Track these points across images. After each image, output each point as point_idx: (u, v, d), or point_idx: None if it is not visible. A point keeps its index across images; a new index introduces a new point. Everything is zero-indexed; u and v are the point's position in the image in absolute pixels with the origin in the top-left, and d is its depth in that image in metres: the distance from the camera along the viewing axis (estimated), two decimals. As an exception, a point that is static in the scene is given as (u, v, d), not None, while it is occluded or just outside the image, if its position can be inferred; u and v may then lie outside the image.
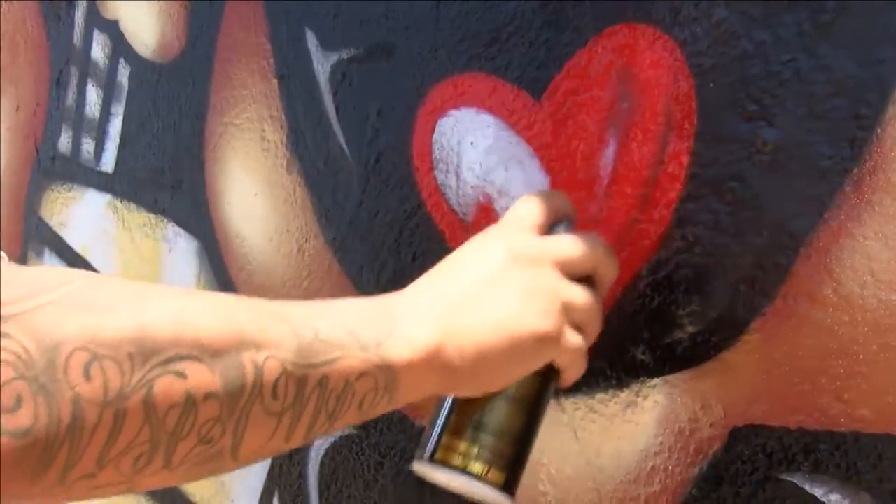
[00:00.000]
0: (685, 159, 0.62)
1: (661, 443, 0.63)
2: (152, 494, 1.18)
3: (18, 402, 0.37)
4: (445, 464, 0.56)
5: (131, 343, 0.40)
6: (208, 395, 0.42)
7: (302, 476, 0.93)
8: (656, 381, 0.63)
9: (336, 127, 0.91)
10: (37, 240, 1.49)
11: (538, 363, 0.55)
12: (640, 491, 0.64)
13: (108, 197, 1.30)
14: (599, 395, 0.67)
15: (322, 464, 0.91)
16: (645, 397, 0.64)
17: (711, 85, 0.61)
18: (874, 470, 0.52)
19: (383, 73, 0.86)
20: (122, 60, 1.29)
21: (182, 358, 0.41)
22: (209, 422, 0.42)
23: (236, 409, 0.43)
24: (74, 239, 1.40)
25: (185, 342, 0.41)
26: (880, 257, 0.52)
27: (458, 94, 0.78)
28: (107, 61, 1.33)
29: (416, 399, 0.53)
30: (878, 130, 0.53)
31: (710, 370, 0.60)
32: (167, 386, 0.40)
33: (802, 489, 0.55)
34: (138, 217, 1.23)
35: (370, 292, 0.86)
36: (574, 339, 0.56)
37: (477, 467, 0.56)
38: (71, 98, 1.41)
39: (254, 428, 0.44)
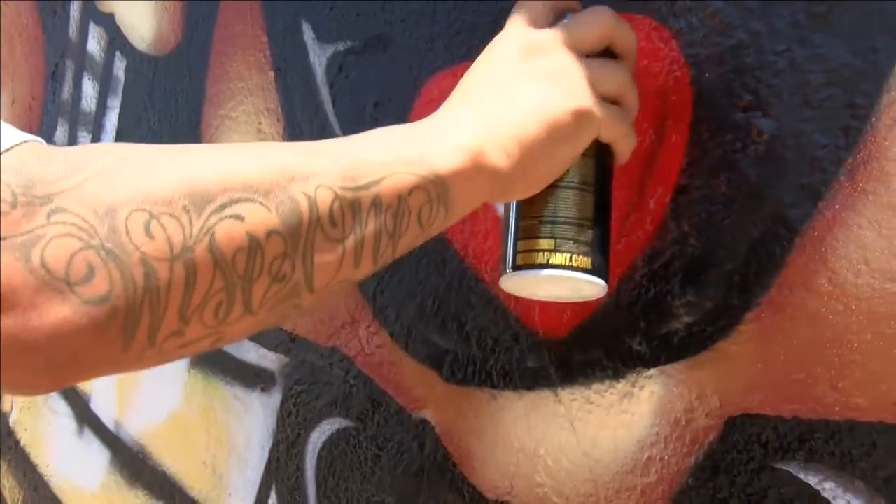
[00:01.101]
0: (681, 149, 0.62)
1: (658, 433, 0.63)
2: (150, 489, 1.18)
3: (91, 270, 0.37)
4: (529, 266, 0.55)
5: (183, 196, 0.40)
6: (270, 233, 0.42)
7: (299, 469, 0.93)
8: (652, 371, 0.63)
9: (333, 119, 0.91)
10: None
11: (582, 142, 0.55)
12: (636, 481, 0.64)
13: (104, 191, 1.30)
14: (596, 386, 0.67)
15: (319, 457, 0.91)
16: (641, 388, 0.64)
17: (707, 75, 0.61)
18: (868, 458, 0.52)
19: (380, 64, 0.86)
20: (118, 54, 1.29)
21: (235, 201, 0.41)
22: (277, 258, 0.43)
23: (300, 242, 0.43)
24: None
25: (235, 186, 0.41)
26: (874, 246, 0.53)
27: (455, 85, 0.78)
28: (102, 55, 1.33)
29: (473, 207, 0.53)
30: (873, 119, 0.53)
31: (706, 360, 0.61)
32: (228, 230, 0.41)
33: (797, 478, 0.56)
34: (135, 211, 1.23)
35: (367, 284, 0.86)
36: (611, 109, 0.55)
37: (559, 258, 0.55)
38: (67, 92, 1.41)
39: (321, 257, 0.45)
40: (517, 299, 0.72)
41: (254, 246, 0.42)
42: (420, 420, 0.80)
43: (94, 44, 1.35)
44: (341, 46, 0.90)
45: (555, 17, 0.58)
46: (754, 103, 0.58)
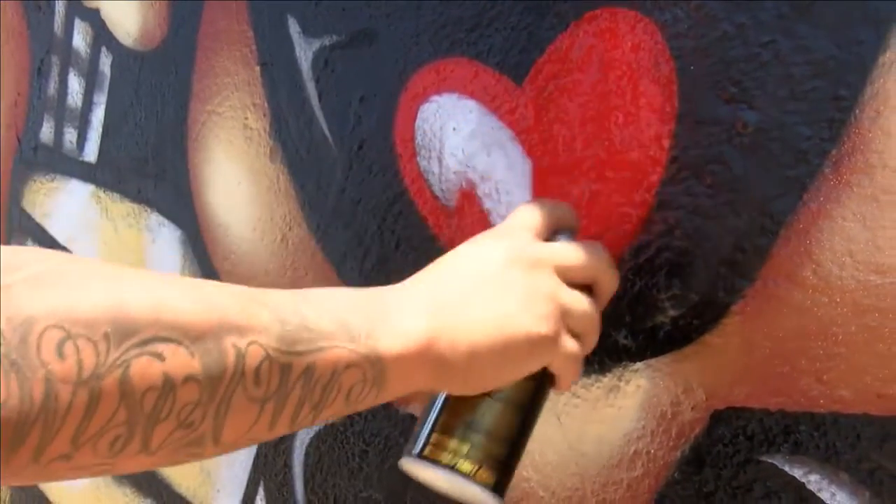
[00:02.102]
0: (666, 142, 0.62)
1: (644, 427, 0.63)
2: (138, 486, 1.17)
3: None
4: (434, 461, 0.55)
5: (108, 322, 0.38)
6: (187, 378, 0.40)
7: (287, 465, 0.93)
8: (638, 364, 0.63)
9: (319, 114, 0.91)
10: (20, 231, 1.48)
11: (533, 366, 0.54)
12: (622, 475, 0.64)
13: (91, 187, 1.29)
14: (582, 380, 0.67)
15: (307, 453, 0.91)
16: (627, 381, 0.64)
17: (692, 67, 0.61)
18: (852, 450, 0.53)
19: (365, 59, 0.86)
20: (103, 49, 1.28)
21: (161, 339, 0.40)
22: (189, 405, 0.41)
23: (217, 394, 0.42)
24: (58, 230, 1.39)
25: (164, 323, 0.40)
26: (859, 238, 0.53)
27: (440, 79, 0.78)
28: (88, 50, 1.32)
29: (405, 393, 0.51)
30: (857, 112, 0.53)
31: (692, 353, 0.61)
32: (144, 367, 0.39)
33: (782, 470, 0.56)
34: (122, 207, 1.22)
35: (353, 280, 0.86)
36: (570, 344, 0.55)
37: (467, 466, 0.54)
38: (52, 88, 1.40)
39: (236, 414, 0.43)
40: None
41: (167, 388, 0.40)
42: (407, 415, 0.80)
43: (80, 39, 1.34)
44: (327, 41, 0.90)
45: (553, 230, 0.58)
46: (739, 95, 0.58)
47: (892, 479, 0.51)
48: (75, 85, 1.34)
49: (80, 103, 1.33)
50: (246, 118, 1.00)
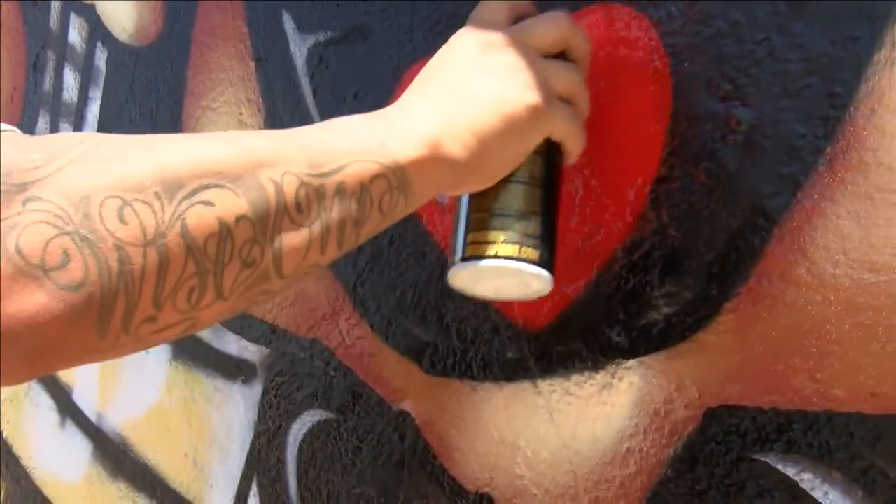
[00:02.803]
0: (660, 139, 0.62)
1: (637, 424, 0.63)
2: (132, 481, 1.17)
3: (66, 256, 0.38)
4: (478, 257, 0.56)
5: (155, 182, 0.41)
6: (239, 218, 0.43)
7: (280, 461, 0.93)
8: (631, 362, 0.63)
9: (313, 110, 0.90)
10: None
11: (536, 137, 0.56)
12: (615, 473, 0.64)
13: (85, 182, 1.29)
14: (575, 378, 0.67)
15: (300, 449, 0.91)
16: (620, 379, 0.64)
17: (686, 64, 0.60)
18: (846, 449, 0.52)
19: (360, 55, 0.85)
20: (99, 44, 1.28)
21: (205, 187, 0.42)
22: (247, 244, 0.43)
23: (268, 227, 0.44)
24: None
25: (205, 172, 0.42)
26: (853, 236, 0.52)
27: (435, 75, 0.78)
28: (84, 45, 1.31)
29: (430, 197, 0.54)
30: (851, 109, 0.53)
31: (685, 351, 0.60)
32: (199, 215, 0.41)
33: (775, 469, 0.55)
34: (116, 202, 1.22)
35: (347, 276, 0.86)
36: (564, 108, 0.57)
37: (508, 249, 0.56)
38: (48, 83, 1.40)
39: (289, 242, 0.45)
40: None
41: (224, 231, 0.42)
42: (400, 412, 0.80)
43: (76, 34, 1.33)
44: (322, 37, 0.90)
45: (513, 20, 0.59)
46: (733, 93, 0.58)
47: (885, 477, 0.51)
48: (71, 80, 1.34)
49: (75, 98, 1.32)
50: (240, 114, 1.00)
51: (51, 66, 1.39)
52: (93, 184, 0.39)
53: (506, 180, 0.57)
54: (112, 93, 1.24)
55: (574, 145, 0.59)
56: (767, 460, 0.56)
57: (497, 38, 0.56)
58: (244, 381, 0.98)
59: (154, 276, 0.40)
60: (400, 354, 0.80)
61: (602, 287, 0.65)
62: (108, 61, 1.26)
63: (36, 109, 1.42)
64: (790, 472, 0.55)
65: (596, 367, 0.65)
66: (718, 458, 0.58)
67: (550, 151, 0.59)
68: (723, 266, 0.58)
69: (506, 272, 0.57)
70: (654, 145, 0.62)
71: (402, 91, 0.80)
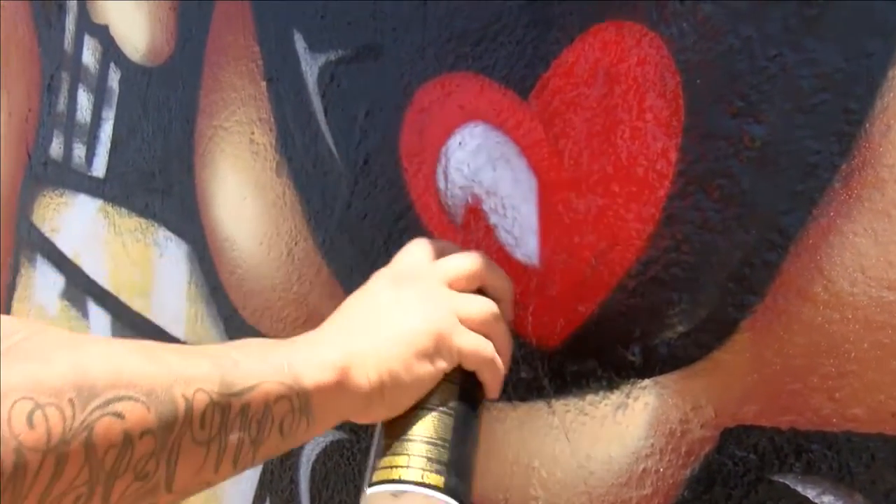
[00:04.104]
0: (673, 157, 0.61)
1: (653, 445, 0.62)
2: None
3: None
4: (383, 482, 0.56)
5: (72, 388, 0.41)
6: (144, 432, 0.44)
7: (293, 481, 0.93)
8: (647, 381, 0.62)
9: (324, 129, 0.90)
10: (29, 245, 1.48)
11: (441, 366, 0.57)
12: (631, 494, 0.63)
13: (99, 202, 1.30)
14: (590, 397, 0.66)
15: (313, 469, 0.90)
16: (636, 399, 0.63)
17: (698, 81, 0.60)
18: (867, 470, 0.52)
19: (371, 73, 0.85)
20: (112, 65, 1.28)
21: (120, 398, 0.43)
22: (144, 457, 0.44)
23: (168, 442, 0.45)
24: (66, 244, 1.39)
25: (122, 383, 0.43)
26: (870, 254, 0.52)
27: (446, 93, 0.78)
28: (97, 66, 1.32)
29: (333, 423, 0.55)
30: (867, 125, 0.52)
31: (701, 370, 0.60)
32: (107, 427, 0.42)
33: (795, 490, 0.55)
34: (129, 221, 1.22)
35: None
36: (472, 337, 0.59)
37: (412, 474, 0.56)
38: (62, 103, 1.41)
39: (185, 459, 0.46)
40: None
41: (126, 444, 0.43)
42: (414, 432, 0.79)
43: (89, 55, 1.34)
44: (333, 56, 0.90)
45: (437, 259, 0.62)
46: (746, 109, 0.57)
47: (907, 499, 0.50)
48: (84, 101, 1.35)
49: (88, 119, 1.33)
50: (252, 133, 1.00)
51: (65, 87, 1.40)
52: (10, 383, 0.40)
53: (416, 407, 0.58)
54: (125, 113, 1.25)
55: (489, 376, 0.60)
56: (787, 482, 0.55)
57: (409, 271, 0.60)
58: (257, 401, 0.98)
59: (45, 482, 0.41)
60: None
61: (616, 305, 0.64)
62: (120, 81, 1.27)
63: (50, 130, 1.43)
64: (810, 493, 0.54)
65: (611, 386, 0.64)
66: (736, 479, 0.57)
67: (466, 381, 0.60)
68: (738, 284, 0.58)
69: (409, 496, 0.57)
70: (667, 163, 0.61)
71: (413, 109, 0.81)
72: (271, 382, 0.50)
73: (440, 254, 0.63)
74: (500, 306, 0.62)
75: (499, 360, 0.61)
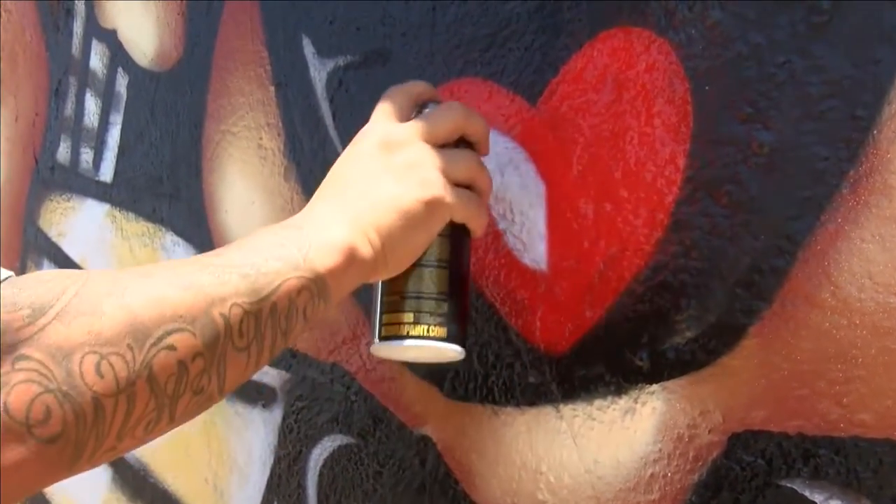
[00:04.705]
0: (681, 162, 0.61)
1: (661, 450, 0.62)
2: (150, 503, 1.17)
3: (48, 412, 0.44)
4: (392, 338, 0.63)
5: (127, 334, 0.47)
6: (196, 355, 0.49)
7: (301, 486, 0.93)
8: (655, 387, 0.63)
9: (333, 134, 0.91)
10: (36, 250, 1.49)
11: (435, 226, 0.63)
12: (639, 499, 0.63)
13: (106, 206, 1.30)
14: (598, 402, 0.66)
15: (321, 474, 0.91)
16: (643, 404, 0.63)
17: (707, 88, 0.60)
18: (874, 475, 0.52)
19: (379, 79, 0.86)
20: (120, 69, 1.29)
21: (169, 333, 0.48)
22: (198, 375, 0.50)
23: (215, 357, 0.51)
24: (73, 249, 1.40)
25: (169, 317, 0.49)
26: (878, 260, 0.52)
27: (454, 99, 0.78)
28: (105, 71, 1.33)
29: (346, 294, 0.61)
30: (875, 132, 0.52)
31: (709, 375, 0.60)
32: (163, 361, 0.48)
33: (802, 495, 0.55)
34: (137, 226, 1.23)
35: (368, 300, 0.85)
36: (460, 194, 0.63)
37: (419, 329, 0.62)
38: (70, 108, 1.41)
39: (231, 366, 0.52)
40: (517, 314, 0.72)
41: (182, 370, 0.49)
42: (421, 436, 0.80)
43: (97, 60, 1.35)
44: (341, 61, 0.90)
45: (416, 109, 0.66)
46: (755, 116, 0.58)
47: (915, 505, 0.50)
48: (92, 105, 1.35)
49: (96, 123, 1.34)
50: (260, 138, 1.01)
51: (72, 91, 1.41)
52: (73, 341, 0.45)
53: (415, 264, 0.63)
54: (133, 117, 1.25)
55: (476, 224, 0.66)
56: (794, 486, 0.55)
57: (396, 135, 0.63)
58: (264, 406, 0.98)
59: (122, 419, 0.47)
60: (420, 379, 0.80)
61: (624, 311, 0.64)
62: (128, 86, 1.27)
63: (57, 135, 1.44)
64: (818, 498, 0.54)
65: (619, 391, 0.65)
66: (744, 483, 0.58)
67: (455, 232, 0.65)
68: (746, 289, 0.58)
69: (420, 348, 0.64)
70: (675, 168, 0.62)
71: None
72: (292, 278, 0.55)
73: (415, 100, 0.66)
74: (479, 147, 0.66)
75: (483, 205, 0.66)
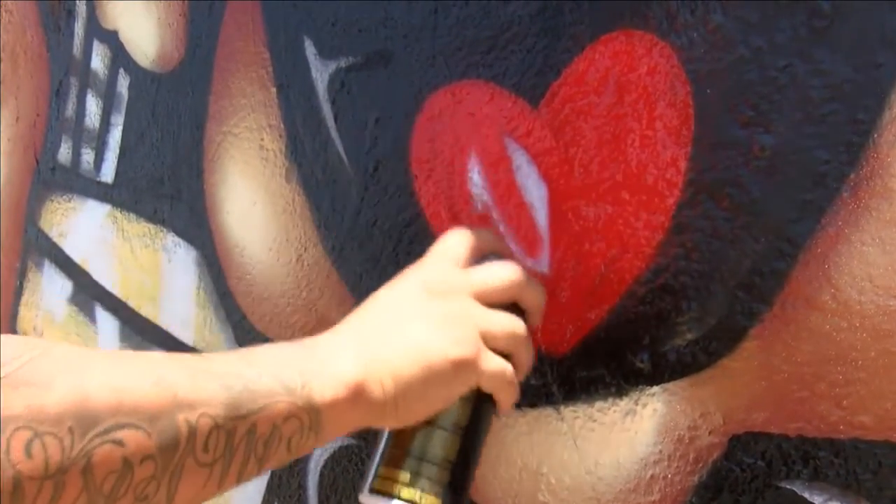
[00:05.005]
0: (683, 165, 0.62)
1: (661, 451, 0.62)
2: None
3: None
4: (383, 493, 0.57)
5: (72, 416, 0.42)
6: (145, 458, 0.44)
7: (301, 487, 0.93)
8: (655, 388, 0.63)
9: (334, 135, 0.91)
10: (36, 251, 1.49)
11: (459, 389, 0.57)
12: (639, 500, 0.63)
13: (107, 207, 1.30)
14: (598, 404, 0.66)
15: (321, 474, 0.91)
16: (644, 405, 0.64)
17: (708, 91, 0.61)
18: (874, 477, 0.52)
19: (381, 80, 0.86)
20: (121, 70, 1.29)
21: (121, 426, 0.43)
22: (144, 480, 0.44)
23: (170, 466, 0.45)
24: (74, 250, 1.40)
25: (124, 410, 0.43)
26: (878, 263, 0.52)
27: (456, 101, 0.78)
28: (106, 71, 1.33)
29: (341, 434, 0.55)
30: (875, 135, 0.53)
31: (709, 377, 0.60)
32: (106, 454, 0.42)
33: (802, 497, 0.55)
34: (138, 227, 1.23)
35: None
36: (495, 363, 0.57)
37: (410, 494, 0.57)
38: (71, 109, 1.42)
39: (187, 480, 0.46)
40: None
41: (126, 469, 0.43)
42: (422, 437, 0.80)
43: (98, 61, 1.35)
44: (343, 62, 0.90)
45: (475, 259, 0.61)
46: (756, 119, 0.58)
47: (914, 506, 0.51)
48: (93, 106, 1.35)
49: (97, 124, 1.34)
50: (262, 139, 1.01)
51: (73, 92, 1.41)
52: (10, 412, 0.40)
53: (427, 423, 0.58)
54: (134, 119, 1.25)
55: (504, 398, 0.60)
56: (794, 488, 0.55)
57: (445, 282, 0.58)
58: (265, 406, 0.98)
59: None
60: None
61: (625, 313, 0.65)
62: (130, 87, 1.28)
63: (58, 135, 1.44)
64: (817, 500, 0.54)
65: (619, 393, 0.65)
66: (744, 485, 0.58)
67: (480, 400, 0.59)
68: (747, 292, 0.58)
69: None
70: (676, 171, 0.62)
71: (424, 117, 0.81)
72: (282, 402, 0.49)
73: (478, 250, 0.61)
74: (529, 318, 0.61)
75: (516, 382, 0.60)
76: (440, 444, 0.58)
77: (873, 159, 0.53)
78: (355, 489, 0.86)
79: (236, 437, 0.47)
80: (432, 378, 0.55)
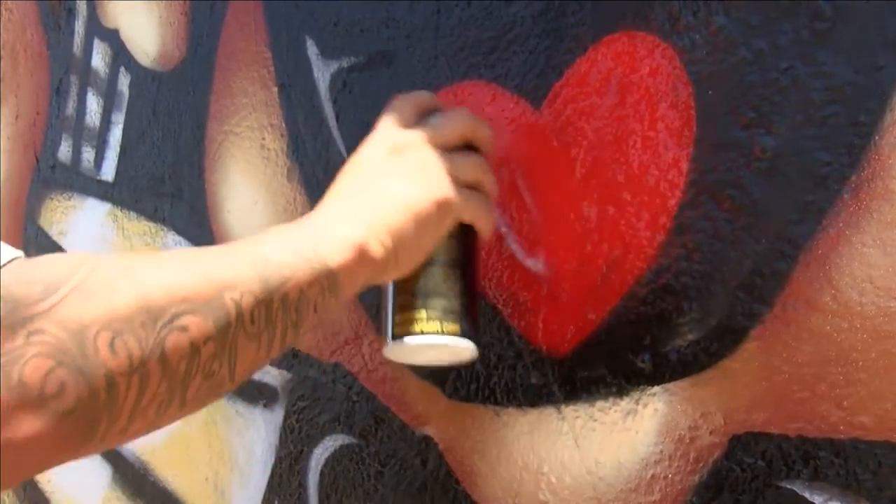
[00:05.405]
0: (684, 166, 0.62)
1: (662, 451, 0.63)
2: (151, 503, 1.18)
3: (62, 387, 0.44)
4: (406, 335, 0.63)
5: (140, 312, 0.47)
6: (206, 339, 0.49)
7: (302, 486, 0.93)
8: (656, 388, 0.63)
9: (336, 135, 0.91)
10: (36, 248, 1.49)
11: (445, 226, 0.64)
12: (640, 500, 0.64)
13: (108, 206, 1.30)
14: (599, 404, 0.67)
15: (322, 473, 0.91)
16: (645, 405, 0.64)
17: (710, 92, 0.61)
18: (874, 477, 0.52)
19: (383, 80, 0.86)
20: (122, 69, 1.29)
21: (181, 314, 0.48)
22: (209, 359, 0.50)
23: (227, 342, 0.51)
24: (74, 248, 1.40)
25: (178, 299, 0.49)
26: (879, 264, 0.52)
27: (458, 101, 0.78)
28: (107, 70, 1.33)
29: (356, 291, 0.61)
30: (876, 137, 0.53)
31: (710, 378, 0.60)
32: (175, 342, 0.48)
33: (802, 497, 0.55)
34: (138, 226, 1.23)
35: (370, 301, 0.86)
36: (468, 194, 0.64)
37: (433, 326, 0.63)
38: (71, 107, 1.42)
39: (242, 353, 0.52)
40: (520, 315, 0.72)
41: (194, 352, 0.49)
42: (423, 437, 0.80)
43: (99, 59, 1.35)
44: (345, 62, 0.90)
45: (420, 117, 0.67)
46: (757, 121, 0.58)
47: (914, 506, 0.51)
48: (93, 104, 1.35)
49: (98, 123, 1.34)
50: (263, 138, 1.01)
51: (74, 90, 1.41)
52: (87, 317, 0.45)
53: (425, 264, 0.64)
54: (135, 117, 1.25)
55: (483, 223, 0.66)
56: (794, 488, 0.56)
57: (405, 139, 0.64)
58: (266, 405, 0.98)
59: (134, 398, 0.47)
60: (422, 379, 0.80)
61: (627, 313, 0.65)
62: (130, 86, 1.28)
63: (59, 134, 1.44)
64: (817, 500, 0.55)
65: (620, 393, 0.65)
66: (744, 485, 0.58)
67: (464, 232, 0.66)
68: (748, 293, 0.58)
69: (432, 346, 0.64)
70: (678, 172, 0.62)
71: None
72: (303, 270, 0.55)
73: (421, 107, 0.67)
74: (484, 151, 0.67)
75: (490, 205, 0.67)
76: (442, 278, 0.64)
77: (874, 161, 0.53)
78: (355, 488, 0.86)
79: (273, 307, 0.53)
80: (421, 224, 0.61)
